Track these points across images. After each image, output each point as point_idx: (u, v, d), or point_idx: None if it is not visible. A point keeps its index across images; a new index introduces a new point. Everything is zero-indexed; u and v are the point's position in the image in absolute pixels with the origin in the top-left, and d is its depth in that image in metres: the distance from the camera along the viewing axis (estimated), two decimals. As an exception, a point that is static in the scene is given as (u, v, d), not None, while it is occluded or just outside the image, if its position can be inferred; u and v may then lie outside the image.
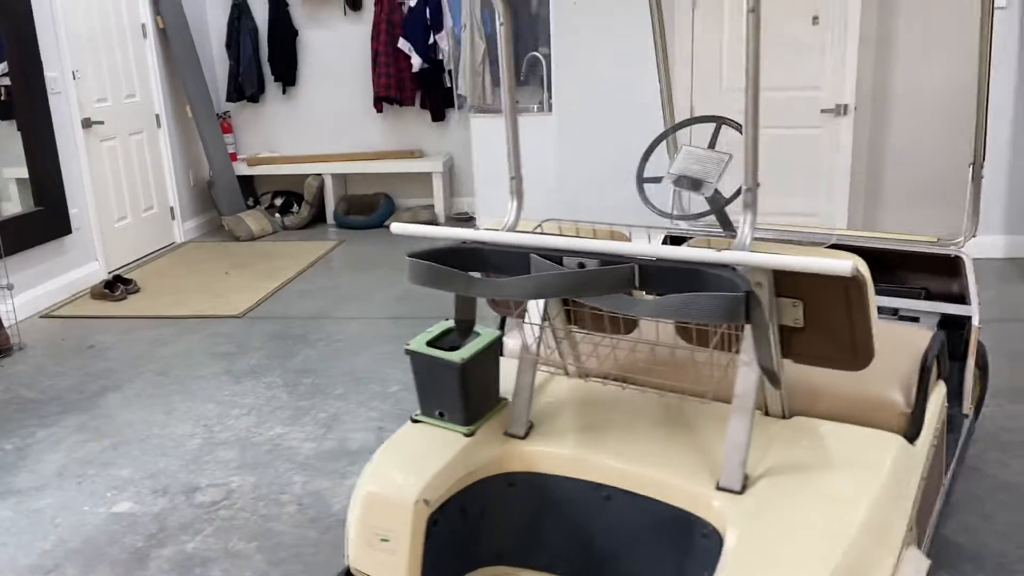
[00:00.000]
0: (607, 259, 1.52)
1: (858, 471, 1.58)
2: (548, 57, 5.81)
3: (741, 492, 1.56)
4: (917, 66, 4.72)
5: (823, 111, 4.72)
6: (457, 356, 1.79)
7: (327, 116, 6.78)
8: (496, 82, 6.34)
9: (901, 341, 2.02)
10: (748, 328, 1.56)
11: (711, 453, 1.69)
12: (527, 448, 1.81)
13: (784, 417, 1.80)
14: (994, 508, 2.50)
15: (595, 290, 1.46)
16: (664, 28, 2.88)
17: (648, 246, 1.50)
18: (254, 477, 2.89)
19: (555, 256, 1.57)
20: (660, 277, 1.48)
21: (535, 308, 1.86)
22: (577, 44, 4.99)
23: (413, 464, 1.74)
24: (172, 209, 6.21)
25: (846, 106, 4.68)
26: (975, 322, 2.40)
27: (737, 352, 1.65)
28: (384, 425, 3.23)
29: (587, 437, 1.80)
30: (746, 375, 1.59)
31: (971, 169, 2.51)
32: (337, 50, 6.61)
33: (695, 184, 2.43)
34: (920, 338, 2.02)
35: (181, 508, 2.73)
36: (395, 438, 1.86)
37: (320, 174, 6.62)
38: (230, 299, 4.82)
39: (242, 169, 6.63)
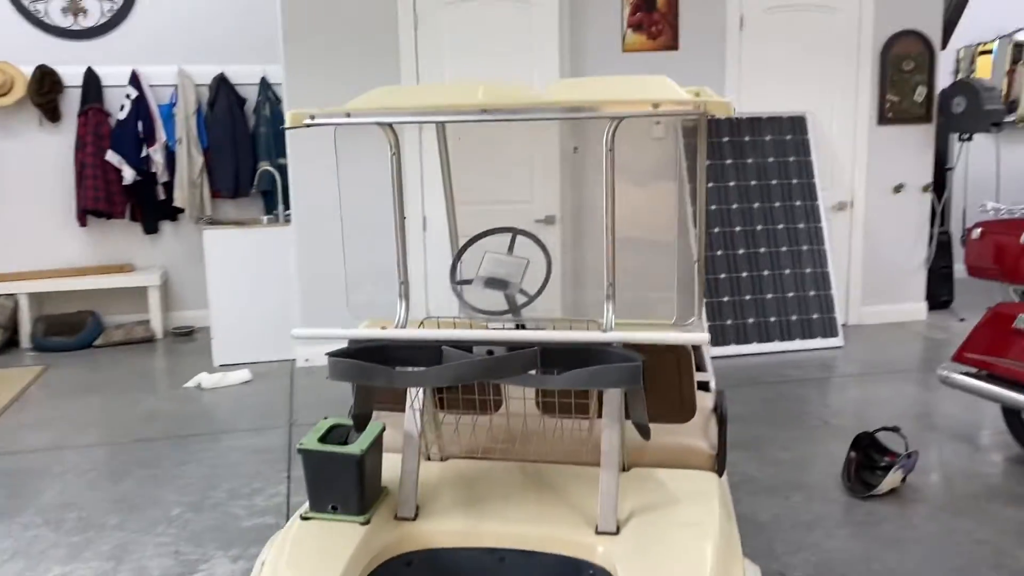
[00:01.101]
0: (512, 346, 1.82)
1: (699, 502, 2.01)
2: (283, 168, 5.98)
3: (617, 533, 1.91)
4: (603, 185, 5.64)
5: (536, 221, 5.43)
6: (356, 448, 1.95)
7: (20, 232, 6.23)
8: (216, 194, 6.33)
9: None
10: (610, 394, 1.94)
11: (583, 507, 2.02)
12: (420, 528, 2.00)
13: (625, 470, 2.19)
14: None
15: (509, 372, 1.75)
16: (449, 159, 3.28)
17: (545, 333, 1.83)
18: (50, 622, 2.65)
19: (465, 346, 1.84)
20: (558, 357, 1.81)
21: (418, 398, 2.08)
22: (315, 157, 5.24)
23: (318, 559, 1.85)
24: None
25: (554, 216, 5.43)
26: (712, 385, 3.03)
27: (599, 417, 2.02)
28: (181, 548, 3.11)
29: (472, 509, 2.04)
30: (610, 435, 1.96)
31: (696, 265, 3.19)
32: (32, 162, 6.16)
33: (503, 285, 2.83)
34: (702, 398, 2.56)
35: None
36: (288, 538, 1.94)
37: (13, 294, 6.03)
38: (-66, 439, 4.23)
39: (-88, 292, 5.83)
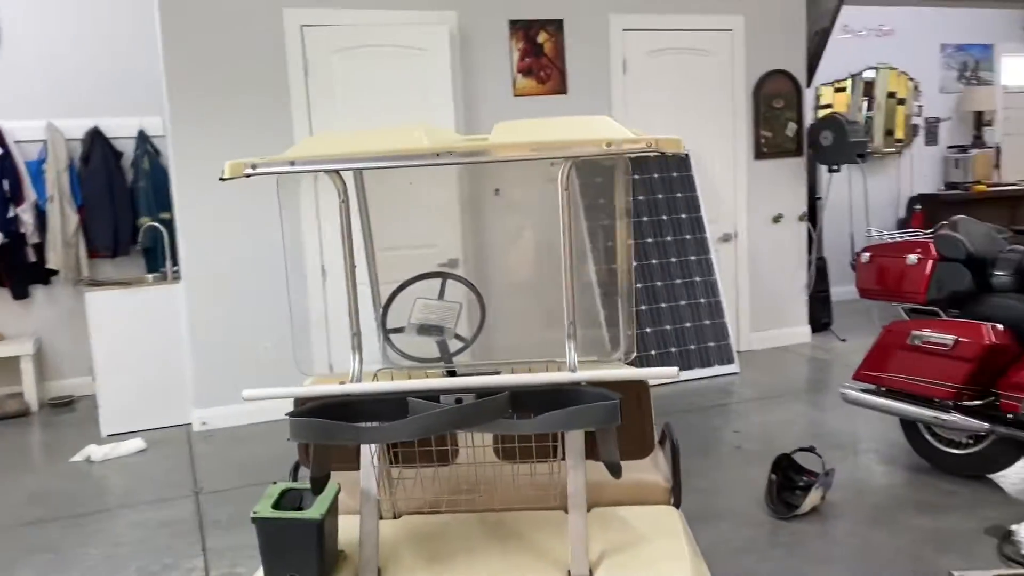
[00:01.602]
0: (480, 392, 1.78)
1: (665, 538, 2.01)
2: (167, 222, 5.72)
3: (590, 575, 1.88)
4: (503, 227, 5.68)
5: (440, 264, 5.39)
6: (315, 513, 1.85)
7: None
8: (94, 253, 5.98)
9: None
10: (572, 435, 1.92)
11: (550, 552, 1.98)
12: (386, 590, 1.91)
13: (587, 511, 2.17)
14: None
15: (482, 419, 1.70)
16: (368, 209, 3.22)
17: (515, 377, 1.80)
18: None
19: (432, 396, 1.78)
20: (529, 399, 1.78)
21: (375, 454, 2.00)
22: (205, 209, 5.03)
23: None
24: None
25: (457, 259, 5.42)
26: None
27: (563, 459, 1.99)
28: (93, 638, 2.86)
29: (437, 566, 1.96)
30: (575, 476, 1.94)
31: (620, 300, 3.23)
32: None
33: (438, 331, 2.78)
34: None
35: None
36: None
37: None
38: None
39: None
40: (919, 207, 8.14)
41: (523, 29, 5.57)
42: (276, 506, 1.90)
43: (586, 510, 2.16)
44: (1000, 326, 3.53)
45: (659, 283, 5.76)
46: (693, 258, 5.88)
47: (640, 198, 5.87)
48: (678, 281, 5.81)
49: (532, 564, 1.95)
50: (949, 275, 3.74)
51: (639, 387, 1.94)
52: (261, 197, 5.10)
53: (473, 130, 5.47)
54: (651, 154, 1.79)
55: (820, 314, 6.84)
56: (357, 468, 2.01)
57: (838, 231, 7.78)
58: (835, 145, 6.33)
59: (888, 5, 7.98)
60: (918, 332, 3.73)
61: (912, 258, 3.86)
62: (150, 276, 5.69)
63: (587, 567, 1.89)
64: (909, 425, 4.01)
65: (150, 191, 6.00)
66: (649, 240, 5.81)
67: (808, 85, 6.51)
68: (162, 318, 5.18)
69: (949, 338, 3.60)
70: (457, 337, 2.85)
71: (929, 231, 4.02)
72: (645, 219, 5.82)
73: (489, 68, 5.53)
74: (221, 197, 5.03)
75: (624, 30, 5.83)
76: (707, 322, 5.81)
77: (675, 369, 1.81)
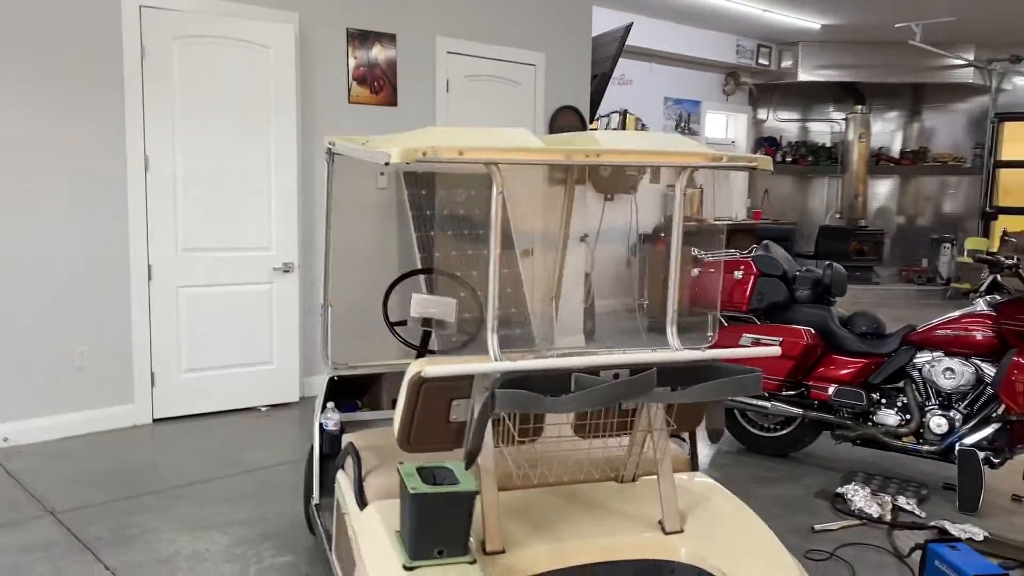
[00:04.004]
0: (634, 368, 2.00)
1: (714, 495, 2.37)
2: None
3: (683, 531, 2.18)
4: (338, 237, 5.66)
5: (274, 269, 5.24)
6: (471, 485, 1.94)
7: None
8: None
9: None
10: (655, 410, 2.21)
11: (634, 515, 2.25)
12: (515, 558, 2.05)
13: (633, 480, 2.45)
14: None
15: (644, 391, 1.93)
16: (331, 221, 3.19)
17: (660, 354, 2.05)
18: None
19: (592, 371, 1.97)
20: (667, 375, 2.04)
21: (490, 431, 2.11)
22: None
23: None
24: None
25: (293, 264, 5.31)
26: None
27: (649, 431, 2.26)
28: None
29: (546, 534, 2.14)
30: (662, 445, 2.23)
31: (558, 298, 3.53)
32: None
33: (440, 324, 2.88)
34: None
35: None
36: None
37: None
38: None
39: None
40: (663, 234, 9.35)
41: (359, 39, 5.64)
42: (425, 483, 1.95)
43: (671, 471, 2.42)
44: (812, 329, 4.38)
45: (462, 294, 6.09)
46: (506, 271, 6.29)
47: (446, 213, 6.17)
48: (479, 294, 6.17)
49: (626, 525, 2.21)
50: (768, 288, 4.55)
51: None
52: (56, 196, 4.62)
53: (308, 133, 5.42)
54: (749, 168, 2.17)
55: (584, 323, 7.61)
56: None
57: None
58: (613, 174, 7.14)
59: (629, 58, 9.12)
60: (748, 335, 4.48)
61: (737, 274, 4.62)
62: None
63: (679, 522, 2.19)
64: (728, 413, 4.76)
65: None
66: (469, 252, 6.12)
67: (592, 119, 7.28)
68: (-53, 319, 4.45)
69: (775, 340, 4.39)
70: (462, 331, 2.98)
71: (746, 252, 4.83)
72: (465, 232, 6.13)
73: (326, 73, 5.51)
74: (15, 191, 4.47)
75: (448, 52, 6.13)
76: (516, 331, 6.25)
77: (777, 348, 2.19)
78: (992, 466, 3.94)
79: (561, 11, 6.83)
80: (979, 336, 4.04)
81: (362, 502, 2.29)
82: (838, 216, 12.04)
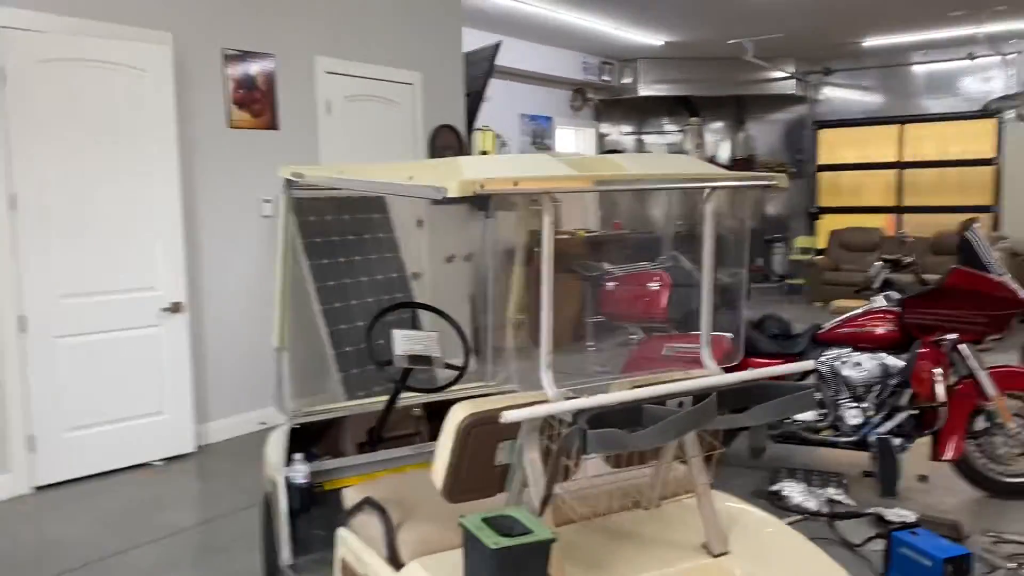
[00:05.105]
0: (695, 395, 1.96)
1: (745, 512, 2.37)
2: None
3: (729, 553, 2.17)
4: (222, 269, 5.28)
5: (163, 309, 4.81)
6: (547, 532, 1.83)
7: None
8: None
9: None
10: (692, 435, 2.19)
11: (674, 539, 2.21)
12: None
13: (657, 506, 2.41)
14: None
15: (709, 417, 1.90)
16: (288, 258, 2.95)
17: (717, 378, 2.02)
18: None
19: (658, 402, 1.91)
20: (728, 397, 2.02)
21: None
22: None
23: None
24: None
25: (181, 303, 4.89)
26: None
27: (681, 460, 2.23)
28: None
29: (605, 571, 2.06)
30: (699, 468, 2.21)
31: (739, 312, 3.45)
32: None
33: (426, 360, 2.73)
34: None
35: None
36: None
37: None
38: None
39: None
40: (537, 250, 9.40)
41: (237, 60, 5.30)
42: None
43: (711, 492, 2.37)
44: (730, 335, 4.55)
45: (360, 323, 5.88)
46: (387, 297, 6.11)
47: (334, 239, 5.93)
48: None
49: (674, 553, 2.17)
50: (684, 298, 4.68)
51: None
52: None
53: (189, 161, 5.03)
54: (767, 186, 2.20)
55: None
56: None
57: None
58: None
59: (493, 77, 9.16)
60: (671, 344, 4.59)
61: (653, 285, 4.73)
62: None
63: (725, 543, 2.18)
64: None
65: None
66: (361, 279, 5.90)
67: (468, 136, 7.24)
68: None
69: (697, 347, 4.51)
70: (448, 366, 2.84)
71: (655, 263, 4.95)
72: (357, 259, 5.91)
73: (205, 96, 5.15)
74: None
75: (327, 72, 5.89)
76: (415, 356, 6.08)
77: (812, 362, 2.22)
78: (902, 451, 4.24)
79: (433, 29, 6.76)
80: (882, 331, 4.33)
81: (396, 562, 2.12)
82: (680, 224, 12.66)
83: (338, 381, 5.42)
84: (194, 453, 4.98)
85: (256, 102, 5.43)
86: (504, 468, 2.06)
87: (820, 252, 11.47)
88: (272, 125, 5.54)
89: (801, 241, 12.24)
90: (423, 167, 2.17)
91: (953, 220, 10.34)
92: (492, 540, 1.79)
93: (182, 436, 4.95)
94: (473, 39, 7.89)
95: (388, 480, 2.55)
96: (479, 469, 2.02)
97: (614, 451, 1.82)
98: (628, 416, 1.91)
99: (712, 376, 2.09)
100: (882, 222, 11.63)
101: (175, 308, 4.87)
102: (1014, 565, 3.31)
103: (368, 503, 2.26)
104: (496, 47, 7.29)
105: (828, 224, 11.98)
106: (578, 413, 1.84)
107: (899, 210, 11.82)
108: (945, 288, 4.16)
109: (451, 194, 1.81)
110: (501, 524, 1.90)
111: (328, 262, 5.71)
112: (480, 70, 7.18)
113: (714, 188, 2.16)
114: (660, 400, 1.96)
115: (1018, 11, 8.46)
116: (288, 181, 2.75)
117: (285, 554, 2.88)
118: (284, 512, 2.87)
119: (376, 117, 6.29)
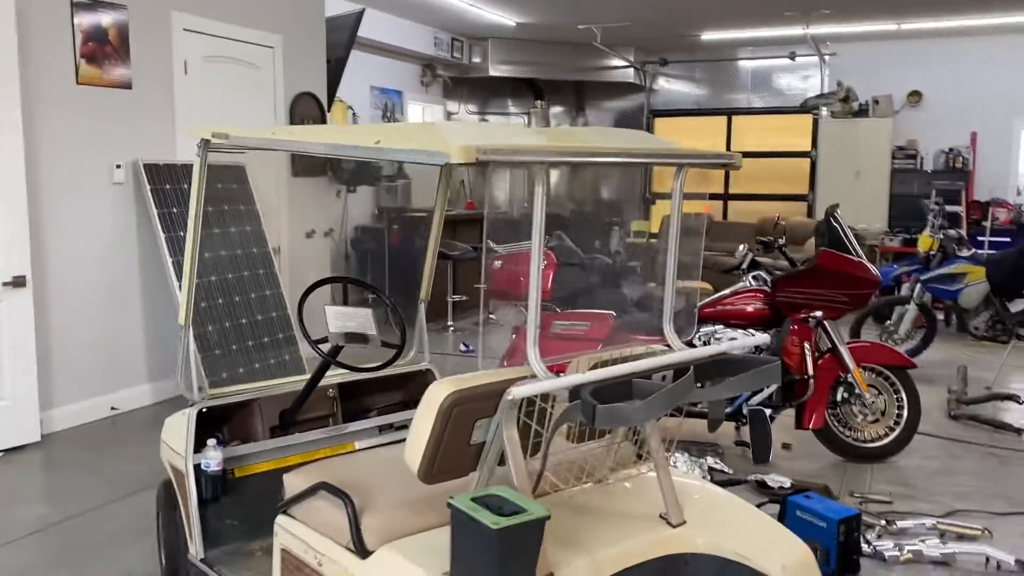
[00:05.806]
0: (676, 369, 1.97)
1: (694, 482, 2.44)
2: None
3: (686, 522, 2.22)
4: (70, 240, 4.78)
5: (3, 284, 4.30)
6: (541, 509, 1.79)
7: None
8: None
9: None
10: None
11: (633, 512, 2.23)
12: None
13: (608, 480, 2.42)
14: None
15: (690, 390, 1.92)
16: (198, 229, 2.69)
17: (693, 352, 2.03)
18: None
19: (643, 376, 1.90)
20: (705, 370, 2.05)
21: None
22: None
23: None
24: None
25: (24, 277, 4.39)
26: None
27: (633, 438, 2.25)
28: None
29: (576, 547, 2.04)
30: (656, 441, 2.24)
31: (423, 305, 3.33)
32: None
33: (361, 338, 2.58)
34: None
35: None
36: None
37: None
38: None
39: None
40: (396, 227, 9.14)
41: (87, 9, 4.79)
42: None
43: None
44: (613, 312, 4.65)
45: (237, 298, 5.55)
46: (261, 271, 5.80)
47: (208, 209, 5.54)
48: (253, 296, 5.67)
49: (637, 525, 2.19)
50: (571, 277, 4.74)
51: None
52: None
53: (32, 120, 4.50)
54: (728, 165, 2.25)
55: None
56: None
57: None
58: (357, 168, 6.92)
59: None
60: (559, 322, 4.63)
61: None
62: None
63: (682, 513, 2.23)
64: (534, 401, 4.88)
65: None
66: (222, 253, 5.54)
67: (328, 108, 6.96)
68: None
69: (584, 324, 4.59)
70: (384, 344, 2.70)
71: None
72: (216, 231, 5.53)
73: (50, 49, 4.62)
74: None
75: (185, 30, 5.46)
76: (280, 336, 5.80)
77: (767, 336, 2.29)
78: (771, 421, 4.52)
79: (296, -9, 6.42)
80: (752, 308, 4.58)
81: (363, 550, 2.00)
82: (526, 205, 12.84)
83: (199, 362, 5.07)
84: (38, 443, 4.50)
85: (107, 57, 4.94)
86: (478, 447, 2.00)
87: (653, 236, 11.99)
88: (125, 84, 5.07)
89: (636, 225, 12.74)
90: (392, 131, 2.06)
91: (773, 208, 11.15)
92: (492, 520, 1.73)
93: (25, 425, 4.46)
94: (333, 5, 7.58)
95: (330, 463, 2.40)
96: (456, 449, 1.94)
97: (619, 425, 1.81)
98: (620, 390, 1.90)
99: (687, 350, 2.12)
100: (703, 208, 12.31)
101: (17, 283, 4.36)
102: (883, 522, 3.61)
103: (325, 487, 2.12)
104: (360, 15, 7.04)
105: (662, 210, 12.54)
106: (580, 387, 1.81)
107: (725, 197, 12.58)
108: (814, 269, 4.45)
109: (453, 160, 1.71)
110: (490, 503, 1.84)
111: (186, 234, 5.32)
112: (341, 37, 6.91)
113: (687, 165, 2.18)
114: (647, 375, 1.97)
115: (841, 15, 9.17)
116: (205, 142, 2.52)
117: (196, 547, 2.66)
118: (195, 502, 2.65)
119: (236, 80, 5.91)
